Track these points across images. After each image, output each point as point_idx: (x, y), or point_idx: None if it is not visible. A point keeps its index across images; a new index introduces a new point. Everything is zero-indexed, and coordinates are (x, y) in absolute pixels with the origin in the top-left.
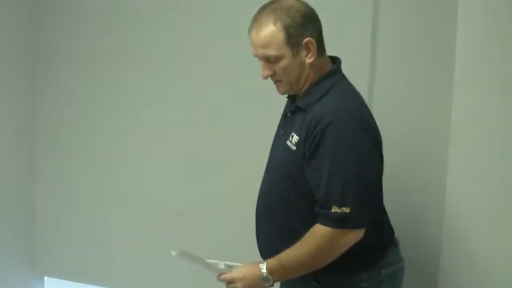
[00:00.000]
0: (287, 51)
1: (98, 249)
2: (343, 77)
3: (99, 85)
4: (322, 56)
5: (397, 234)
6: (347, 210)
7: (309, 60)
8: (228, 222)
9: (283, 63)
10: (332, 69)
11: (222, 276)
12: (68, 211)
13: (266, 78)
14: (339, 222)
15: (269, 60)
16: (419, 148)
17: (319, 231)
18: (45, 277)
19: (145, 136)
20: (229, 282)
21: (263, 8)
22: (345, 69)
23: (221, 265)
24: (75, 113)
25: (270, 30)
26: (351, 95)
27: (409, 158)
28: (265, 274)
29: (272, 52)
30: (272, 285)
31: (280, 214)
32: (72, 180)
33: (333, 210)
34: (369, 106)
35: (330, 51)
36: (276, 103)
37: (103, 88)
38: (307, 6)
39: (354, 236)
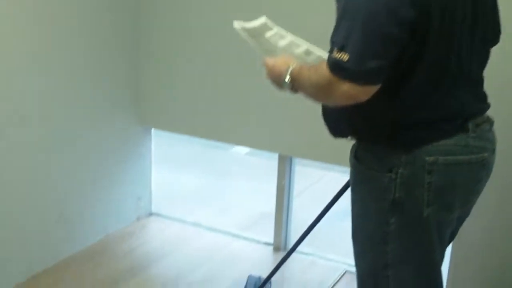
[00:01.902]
0: None
1: (203, 104)
2: None
3: None
4: None
5: None
6: (345, 57)
7: None
8: None
9: None
10: None
11: (265, 58)
12: (175, 65)
13: None
14: (335, 68)
15: None
16: None
17: (322, 68)
18: (152, 129)
19: None
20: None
21: None
22: None
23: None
24: None
25: None
26: None
27: None
28: (286, 79)
29: None
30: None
31: None
32: (179, 37)
33: (333, 53)
34: None
35: None
36: None
37: None
38: None
39: (350, 89)
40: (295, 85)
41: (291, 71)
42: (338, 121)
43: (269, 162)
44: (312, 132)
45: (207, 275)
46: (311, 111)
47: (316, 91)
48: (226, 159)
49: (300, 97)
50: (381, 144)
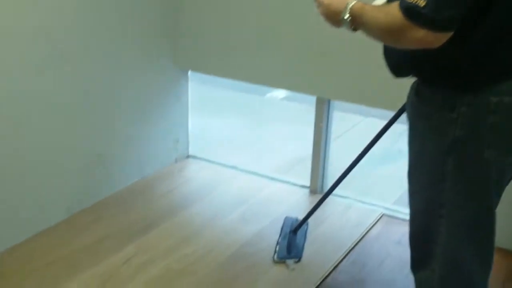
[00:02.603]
0: None
1: (241, 46)
2: None
3: None
4: None
5: None
6: (422, 3)
7: None
8: None
9: None
10: None
11: None
12: (213, 6)
13: None
14: (409, 13)
15: None
16: None
17: (394, 11)
18: (189, 71)
19: None
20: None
21: None
22: None
23: None
24: None
25: None
26: None
27: None
28: (346, 17)
29: None
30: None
31: None
32: None
33: None
34: None
35: None
36: None
37: None
38: None
39: (423, 36)
40: (356, 23)
41: (351, 8)
42: (401, 60)
43: (305, 107)
44: (351, 74)
45: (244, 216)
46: (350, 53)
47: (383, 34)
48: (262, 104)
49: (338, 39)
50: (445, 83)
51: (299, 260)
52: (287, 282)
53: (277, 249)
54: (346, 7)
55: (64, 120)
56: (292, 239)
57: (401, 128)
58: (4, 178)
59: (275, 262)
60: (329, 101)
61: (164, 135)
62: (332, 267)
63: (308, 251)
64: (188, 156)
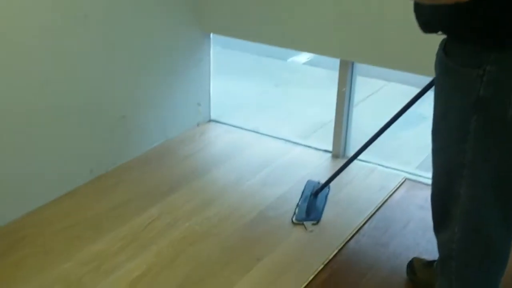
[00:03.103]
0: None
1: (263, 8)
2: None
3: None
4: None
5: None
6: None
7: None
8: None
9: None
10: None
11: None
12: None
13: None
14: None
15: None
16: None
17: None
18: (211, 34)
19: None
20: None
21: None
22: None
23: None
24: None
25: None
26: None
27: None
28: None
29: None
30: None
31: None
32: None
33: None
34: None
35: None
36: None
37: None
38: None
39: None
40: None
41: None
42: (430, 16)
43: (327, 73)
44: (375, 36)
45: (266, 179)
46: (376, 14)
47: None
48: (284, 69)
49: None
50: (473, 40)
51: (317, 223)
52: (309, 244)
53: (297, 211)
54: None
55: (88, 81)
56: (312, 202)
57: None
58: (28, 140)
59: (293, 223)
60: (352, 65)
61: (186, 99)
62: (355, 230)
63: (331, 214)
64: (210, 120)
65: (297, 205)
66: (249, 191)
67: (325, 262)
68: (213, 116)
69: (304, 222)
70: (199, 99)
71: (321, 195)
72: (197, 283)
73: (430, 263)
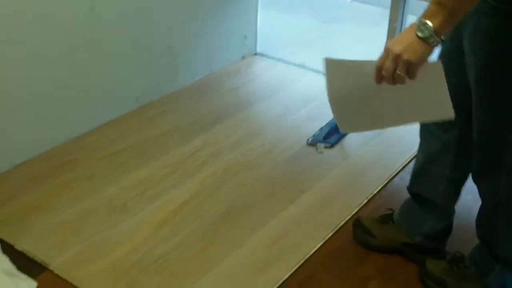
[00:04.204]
0: None
1: None
2: None
3: None
4: None
5: None
6: None
7: None
8: None
9: None
10: None
11: (378, 61)
12: None
13: None
14: None
15: None
16: None
17: None
18: None
19: None
20: (384, 59)
21: None
22: None
23: None
24: None
25: None
26: None
27: None
28: (421, 21)
29: None
30: (437, 36)
31: None
32: None
33: None
34: None
35: None
36: None
37: None
38: None
39: None
40: (441, 12)
41: (422, 15)
42: None
43: (376, 9)
44: None
45: (311, 113)
46: None
47: None
48: (332, 5)
49: None
50: None
51: (331, 147)
52: (354, 179)
53: (316, 133)
54: (419, 20)
55: (136, 10)
56: (335, 128)
57: None
58: (75, 68)
59: (308, 144)
60: (404, 2)
61: (232, 31)
62: (400, 168)
63: (375, 153)
64: (255, 54)
65: (320, 128)
66: (293, 125)
67: (369, 197)
68: (259, 50)
69: (318, 143)
70: (246, 31)
71: None
72: (241, 211)
73: (385, 219)
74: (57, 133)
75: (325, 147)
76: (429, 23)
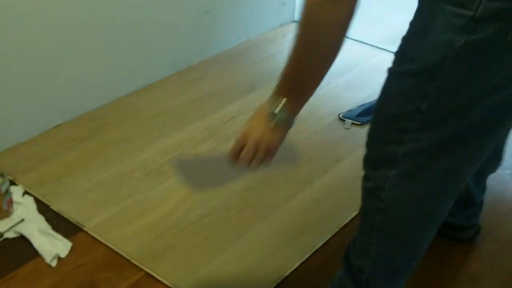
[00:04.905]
0: None
1: None
2: None
3: None
4: None
5: None
6: None
7: None
8: None
9: None
10: None
11: (232, 148)
12: None
13: None
14: None
15: None
16: None
17: None
18: None
19: None
20: (240, 144)
21: None
22: None
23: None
24: None
25: None
26: None
27: None
28: (270, 104)
29: None
30: (287, 119)
31: None
32: None
33: None
34: None
35: None
36: None
37: None
38: None
39: None
40: (289, 89)
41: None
42: None
43: None
44: None
45: (350, 82)
46: None
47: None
48: None
49: None
50: None
51: (360, 124)
52: None
53: (353, 109)
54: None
55: None
56: (371, 108)
57: None
58: (115, 30)
59: (339, 118)
60: None
61: None
62: None
63: None
64: (293, 21)
65: (360, 105)
66: (330, 93)
67: None
68: (297, 17)
69: (346, 119)
70: None
71: None
72: (275, 177)
73: None
74: (95, 96)
75: (353, 124)
76: (277, 103)
